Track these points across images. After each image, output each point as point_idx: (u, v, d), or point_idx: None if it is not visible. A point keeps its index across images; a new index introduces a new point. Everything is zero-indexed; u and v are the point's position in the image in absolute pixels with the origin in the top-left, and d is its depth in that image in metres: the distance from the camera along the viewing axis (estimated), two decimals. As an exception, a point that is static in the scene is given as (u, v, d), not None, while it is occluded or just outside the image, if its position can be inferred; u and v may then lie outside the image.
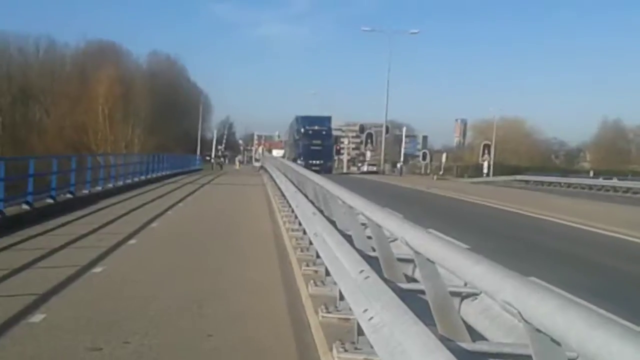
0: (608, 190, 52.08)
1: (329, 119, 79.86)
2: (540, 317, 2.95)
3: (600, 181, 59.04)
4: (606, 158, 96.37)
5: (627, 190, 50.72)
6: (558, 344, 2.94)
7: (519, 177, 71.52)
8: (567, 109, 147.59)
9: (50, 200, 19.19)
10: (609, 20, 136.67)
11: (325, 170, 60.49)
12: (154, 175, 38.95)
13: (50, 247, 12.36)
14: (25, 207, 17.22)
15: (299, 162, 58.66)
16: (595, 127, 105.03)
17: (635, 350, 2.33)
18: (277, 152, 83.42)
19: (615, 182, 56.74)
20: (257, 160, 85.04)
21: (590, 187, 56.06)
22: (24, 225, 15.18)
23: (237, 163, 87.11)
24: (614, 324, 2.54)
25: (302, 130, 74.33)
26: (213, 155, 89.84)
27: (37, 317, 7.50)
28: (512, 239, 17.44)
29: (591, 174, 78.02)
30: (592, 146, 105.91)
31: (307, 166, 50.12)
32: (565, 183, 61.55)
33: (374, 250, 7.99)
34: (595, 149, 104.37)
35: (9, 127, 70.86)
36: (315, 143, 72.65)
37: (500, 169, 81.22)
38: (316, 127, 74.38)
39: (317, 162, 66.68)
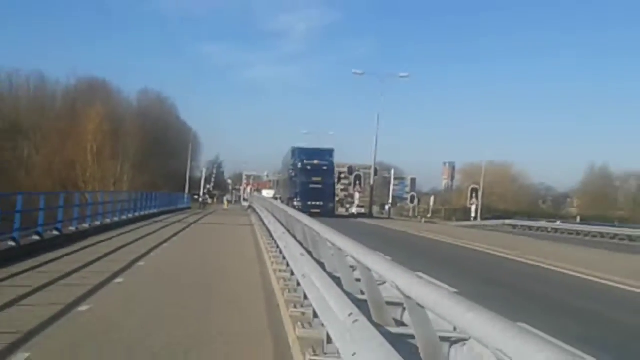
0: (595, 237, 52.15)
1: (330, 152, 66.82)
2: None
3: (587, 227, 59.22)
4: (593, 204, 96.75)
5: (614, 236, 50.85)
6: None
7: (507, 221, 71.56)
8: (554, 155, 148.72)
9: (36, 237, 19.02)
10: (598, 67, 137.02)
11: (326, 213, 53.51)
12: (142, 214, 38.93)
13: (35, 285, 12.22)
14: (11, 243, 17.04)
15: (295, 203, 54.84)
16: (582, 173, 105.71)
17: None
18: (267, 193, 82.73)
19: (601, 228, 56.97)
20: (245, 200, 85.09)
21: (578, 232, 56.17)
22: (8, 262, 15.02)
23: (226, 202, 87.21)
24: None
25: (300, 165, 61.80)
26: (201, 194, 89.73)
27: (20, 357, 7.41)
28: (501, 285, 17.46)
29: (578, 219, 78.23)
30: (579, 192, 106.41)
31: (305, 208, 49.29)
32: (552, 228, 61.61)
33: (362, 293, 7.94)
34: (582, 195, 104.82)
35: (-2, 164, 70.27)
36: (315, 180, 60.57)
37: (487, 212, 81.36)
38: (316, 162, 61.81)
39: (317, 203, 57.57)
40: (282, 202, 53.57)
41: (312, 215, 34.80)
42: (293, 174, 62.56)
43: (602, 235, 52.42)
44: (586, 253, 31.20)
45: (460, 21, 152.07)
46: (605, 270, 21.39)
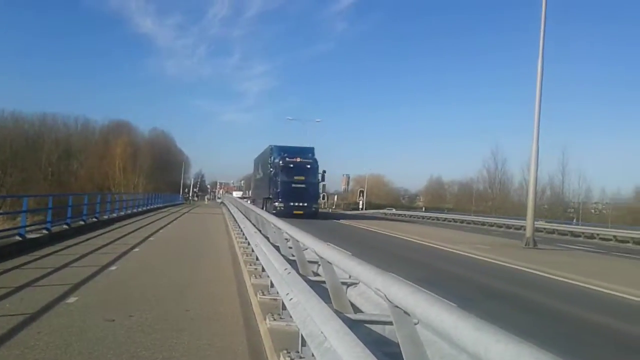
0: (433, 219, 53.40)
1: (312, 150, 40.66)
2: (398, 298, 2.97)
3: (429, 213, 60.63)
4: (432, 200, 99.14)
5: (445, 219, 52.19)
6: (408, 314, 2.97)
7: (381, 210, 72.44)
8: (409, 167, 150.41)
9: (81, 222, 18.46)
10: (429, 96, 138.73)
11: (310, 214, 35.48)
12: (152, 207, 38.07)
13: (82, 252, 11.86)
14: (64, 226, 16.56)
15: (276, 204, 35.39)
16: (426, 180, 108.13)
17: (451, 317, 2.37)
18: (236, 193, 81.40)
19: (439, 214, 58.40)
20: (219, 198, 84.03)
21: (423, 217, 57.38)
22: (63, 239, 14.55)
23: (206, 199, 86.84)
24: (443, 301, 2.58)
25: (281, 162, 37.85)
26: (190, 195, 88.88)
27: (71, 300, 7.15)
28: (376, 249, 17.69)
29: (423, 209, 79.87)
30: (424, 192, 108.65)
31: (288, 210, 33.90)
32: (407, 214, 62.75)
33: (293, 256, 7.95)
34: (425, 194, 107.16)
35: (56, 174, 69.06)
36: (297, 180, 37.29)
37: (369, 206, 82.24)
38: (298, 159, 38.02)
39: (301, 204, 36.25)
40: (255, 203, 39.30)
41: (295, 217, 30.67)
42: (272, 173, 38.30)
43: (437, 219, 53.70)
44: (426, 229, 32.00)
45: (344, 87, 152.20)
46: (433, 237, 21.99)
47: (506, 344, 1.78)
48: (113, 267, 10.19)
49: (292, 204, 35.54)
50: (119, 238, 15.73)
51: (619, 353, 6.55)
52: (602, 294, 10.68)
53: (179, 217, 31.25)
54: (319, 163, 37.94)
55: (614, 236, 32.18)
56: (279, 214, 25.54)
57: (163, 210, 38.95)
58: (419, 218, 56.44)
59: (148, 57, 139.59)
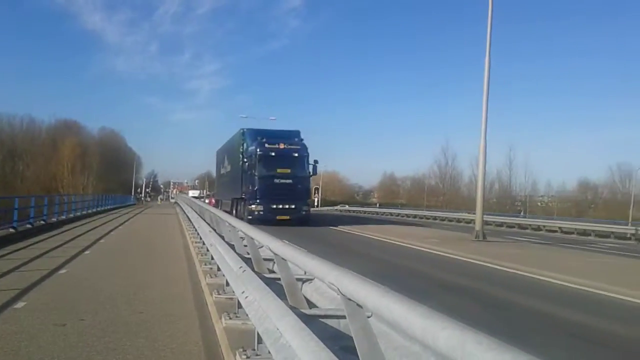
0: (387, 215, 54.12)
1: (298, 134, 29.66)
2: (350, 291, 3.02)
3: (383, 209, 61.42)
4: (385, 195, 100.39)
5: (398, 214, 52.95)
6: (361, 307, 3.02)
7: (336, 207, 72.83)
8: (363, 164, 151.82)
9: (29, 226, 17.78)
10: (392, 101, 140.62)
11: (299, 219, 26.22)
12: (102, 208, 37.00)
13: (30, 256, 11.44)
14: (11, 230, 15.93)
15: (253, 207, 26.16)
16: (380, 176, 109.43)
17: (401, 307, 2.42)
18: (192, 192, 79.69)
19: (392, 210, 59.22)
20: (172, 198, 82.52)
21: (377, 212, 58.05)
22: (9, 242, 13.99)
23: (159, 200, 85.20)
24: (393, 293, 2.64)
25: (258, 150, 26.81)
26: (143, 196, 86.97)
27: (19, 305, 6.91)
28: (333, 246, 17.82)
29: (377, 205, 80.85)
30: (378, 188, 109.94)
31: (269, 214, 25.30)
32: (362, 211, 63.32)
33: (248, 254, 7.91)
34: (379, 190, 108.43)
35: (1, 176, 66.03)
36: (281, 173, 26.70)
37: (325, 203, 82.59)
38: (282, 146, 27.20)
39: (287, 206, 26.43)
40: (221, 206, 33.92)
41: (279, 224, 23.98)
42: (246, 165, 27.76)
43: (391, 214, 54.46)
44: (381, 225, 32.46)
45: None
46: (386, 233, 22.35)
47: (452, 330, 1.87)
48: (63, 271, 9.89)
49: (274, 206, 25.66)
50: (68, 241, 15.25)
51: (545, 332, 6.91)
52: (542, 282, 11.18)
53: (131, 218, 30.55)
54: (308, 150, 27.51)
55: (560, 227, 33.50)
56: (257, 221, 22.23)
57: (114, 211, 37.94)
58: (373, 214, 57.09)
59: (97, 54, 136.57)
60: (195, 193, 77.54)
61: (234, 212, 28.30)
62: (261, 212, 25.74)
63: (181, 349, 5.31)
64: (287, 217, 25.85)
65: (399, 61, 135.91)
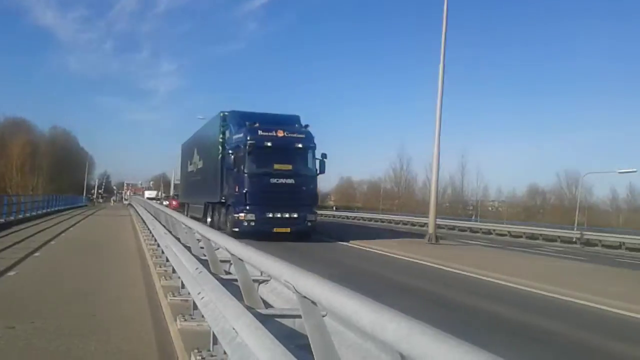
0: (346, 218, 54.51)
1: (297, 119, 21.25)
2: (305, 289, 3.09)
3: (340, 213, 61.90)
4: (342, 199, 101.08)
5: (354, 217, 53.44)
6: (315, 304, 3.10)
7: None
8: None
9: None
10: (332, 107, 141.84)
11: (301, 232, 19.27)
12: (53, 209, 35.96)
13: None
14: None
15: (241, 215, 18.84)
16: (337, 181, 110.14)
17: (353, 303, 2.52)
18: (149, 193, 77.27)
19: (349, 213, 59.73)
20: (126, 199, 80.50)
21: (334, 215, 58.43)
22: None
23: (112, 201, 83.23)
24: (346, 290, 2.73)
25: (249, 139, 18.76)
26: (95, 197, 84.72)
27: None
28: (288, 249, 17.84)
29: (334, 208, 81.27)
30: (334, 191, 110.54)
31: (263, 225, 18.82)
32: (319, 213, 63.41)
33: (205, 255, 7.89)
34: (336, 193, 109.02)
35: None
36: (279, 170, 19.06)
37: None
38: (281, 134, 19.25)
39: (286, 215, 18.92)
40: (188, 212, 27.81)
41: (276, 238, 17.99)
42: (232, 159, 19.53)
43: (348, 217, 54.86)
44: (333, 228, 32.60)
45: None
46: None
47: (399, 323, 1.98)
48: (12, 273, 9.60)
49: (270, 215, 18.82)
50: (17, 242, 14.75)
51: (482, 325, 7.31)
52: (487, 282, 11.75)
53: (82, 219, 29.76)
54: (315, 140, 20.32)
55: (509, 231, 34.55)
56: (246, 234, 17.38)
57: (65, 212, 36.88)
58: (328, 217, 57.40)
59: (48, 52, 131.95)
60: (152, 194, 75.31)
61: (209, 220, 22.72)
62: (252, 223, 18.70)
63: (134, 352, 5.26)
64: (288, 230, 18.94)
65: (356, 65, 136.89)
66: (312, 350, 3.09)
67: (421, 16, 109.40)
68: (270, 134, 19.33)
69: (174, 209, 26.48)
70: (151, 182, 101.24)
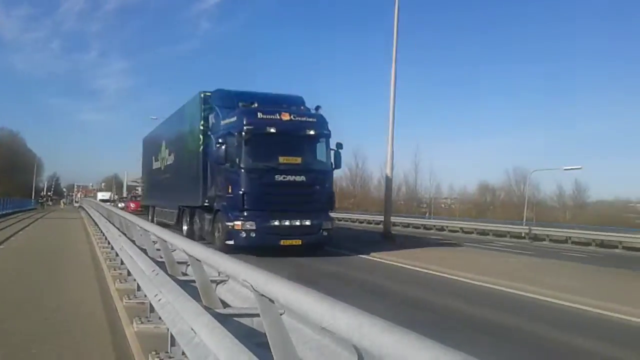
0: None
1: (302, 100, 16.36)
2: (263, 287, 3.17)
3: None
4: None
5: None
6: (273, 302, 3.18)
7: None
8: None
9: None
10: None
11: (315, 242, 14.78)
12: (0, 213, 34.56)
13: None
14: None
15: (237, 224, 14.06)
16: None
17: (308, 299, 2.62)
18: (102, 195, 74.58)
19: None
20: (77, 202, 77.98)
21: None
22: None
23: (62, 203, 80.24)
24: (303, 287, 2.83)
25: (246, 124, 13.88)
26: (44, 199, 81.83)
27: None
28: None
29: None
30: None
31: (267, 236, 14.27)
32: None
33: (161, 257, 7.84)
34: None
35: None
36: (287, 165, 14.31)
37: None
38: (286, 117, 14.38)
39: (296, 222, 14.22)
40: (154, 216, 24.05)
41: (284, 253, 14.05)
42: (221, 151, 14.37)
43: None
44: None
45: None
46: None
47: (350, 315, 2.12)
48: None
49: (276, 222, 14.41)
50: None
51: (423, 314, 7.51)
52: (437, 276, 12.31)
53: (31, 222, 28.75)
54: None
55: (461, 228, 35.45)
56: (244, 248, 14.01)
57: (12, 216, 35.52)
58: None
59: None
60: (106, 195, 72.73)
61: (185, 228, 18.64)
62: (252, 234, 14.27)
63: (90, 355, 5.21)
64: (299, 242, 14.57)
65: (311, 65, 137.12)
66: (271, 347, 3.17)
67: (372, 19, 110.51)
68: (272, 117, 14.70)
69: (133, 212, 25.23)
70: (103, 184, 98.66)
